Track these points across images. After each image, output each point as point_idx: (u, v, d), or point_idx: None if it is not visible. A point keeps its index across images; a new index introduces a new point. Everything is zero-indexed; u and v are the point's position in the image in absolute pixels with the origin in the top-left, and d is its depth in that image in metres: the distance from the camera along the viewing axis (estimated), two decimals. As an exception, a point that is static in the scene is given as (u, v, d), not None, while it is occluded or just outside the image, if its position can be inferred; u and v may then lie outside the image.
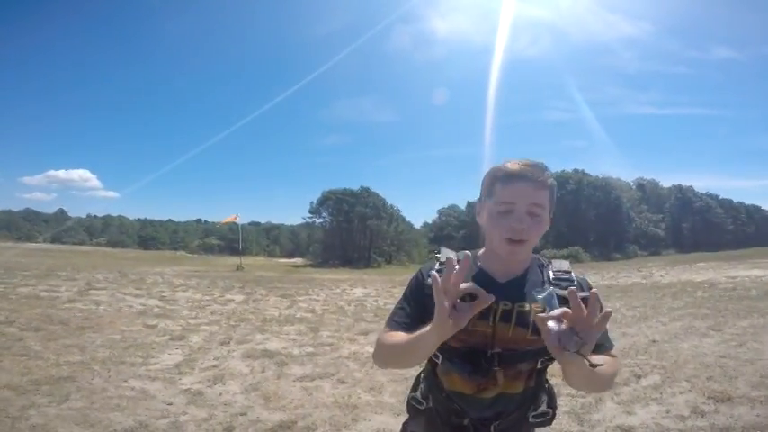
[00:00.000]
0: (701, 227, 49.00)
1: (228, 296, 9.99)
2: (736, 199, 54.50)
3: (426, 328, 0.97)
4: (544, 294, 0.94)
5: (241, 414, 3.28)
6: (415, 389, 1.28)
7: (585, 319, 0.87)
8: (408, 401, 1.29)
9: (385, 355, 1.17)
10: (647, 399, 3.48)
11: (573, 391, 3.67)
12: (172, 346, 5.25)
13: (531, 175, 1.06)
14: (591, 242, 43.06)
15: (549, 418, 1.20)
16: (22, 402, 3.24)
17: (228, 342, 5.51)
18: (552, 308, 0.90)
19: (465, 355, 1.10)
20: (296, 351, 5.17)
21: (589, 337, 0.87)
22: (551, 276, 1.14)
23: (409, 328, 1.10)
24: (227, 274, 18.33)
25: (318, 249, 45.62)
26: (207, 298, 9.54)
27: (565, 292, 0.94)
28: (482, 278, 1.09)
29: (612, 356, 1.12)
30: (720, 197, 53.09)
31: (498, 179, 1.09)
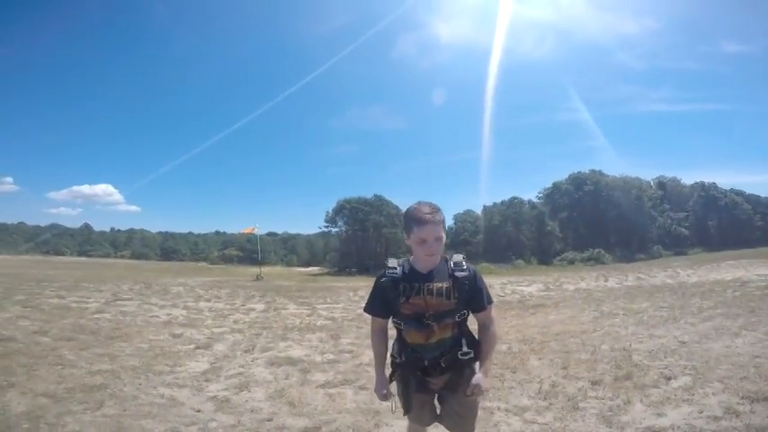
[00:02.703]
0: (727, 224, 47.43)
1: (250, 305, 10.12)
2: (764, 194, 52.48)
3: (378, 373, 2.03)
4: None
5: (267, 420, 3.32)
6: (392, 350, 2.00)
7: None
8: (391, 359, 2.01)
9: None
10: (678, 400, 3.38)
11: (601, 394, 3.62)
12: (198, 354, 5.34)
13: (432, 220, 1.79)
14: (612, 243, 42.09)
15: (472, 356, 1.93)
16: (58, 410, 3.35)
17: (252, 350, 5.59)
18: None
19: (414, 317, 1.86)
20: (318, 358, 5.21)
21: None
22: (453, 266, 1.89)
23: (382, 312, 1.98)
24: (248, 283, 18.57)
25: (335, 258, 45.87)
26: (229, 307, 9.69)
27: (462, 274, 1.88)
28: (413, 273, 1.90)
29: (488, 312, 1.97)
30: (747, 193, 51.25)
31: (414, 222, 1.81)
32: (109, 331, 6.42)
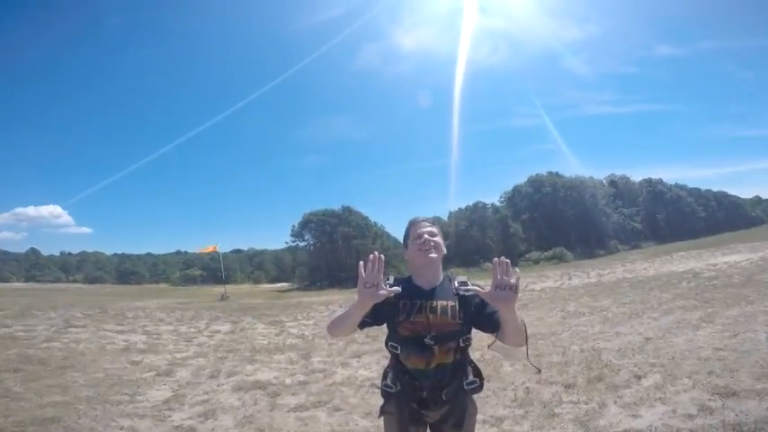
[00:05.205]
0: (674, 217, 50.31)
1: (215, 327, 9.70)
2: (704, 187, 56.31)
3: (354, 302, 1.61)
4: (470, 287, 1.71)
5: (236, 452, 3.11)
6: (385, 378, 1.83)
7: (499, 279, 1.51)
8: (382, 389, 1.83)
9: (332, 326, 1.74)
10: (651, 399, 3.43)
11: (575, 398, 3.63)
12: (159, 381, 5.01)
13: (426, 222, 1.81)
14: (573, 241, 43.62)
15: (478, 386, 1.78)
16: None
17: (217, 375, 5.30)
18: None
19: (414, 340, 1.69)
20: (288, 380, 4.99)
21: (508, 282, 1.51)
22: (457, 284, 1.77)
23: (369, 321, 1.73)
24: (212, 304, 17.86)
25: (304, 272, 45.06)
26: (192, 330, 9.23)
27: (469, 293, 1.71)
28: (414, 289, 1.75)
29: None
30: (690, 187, 54.72)
31: (410, 225, 1.83)
32: (60, 361, 5.92)
